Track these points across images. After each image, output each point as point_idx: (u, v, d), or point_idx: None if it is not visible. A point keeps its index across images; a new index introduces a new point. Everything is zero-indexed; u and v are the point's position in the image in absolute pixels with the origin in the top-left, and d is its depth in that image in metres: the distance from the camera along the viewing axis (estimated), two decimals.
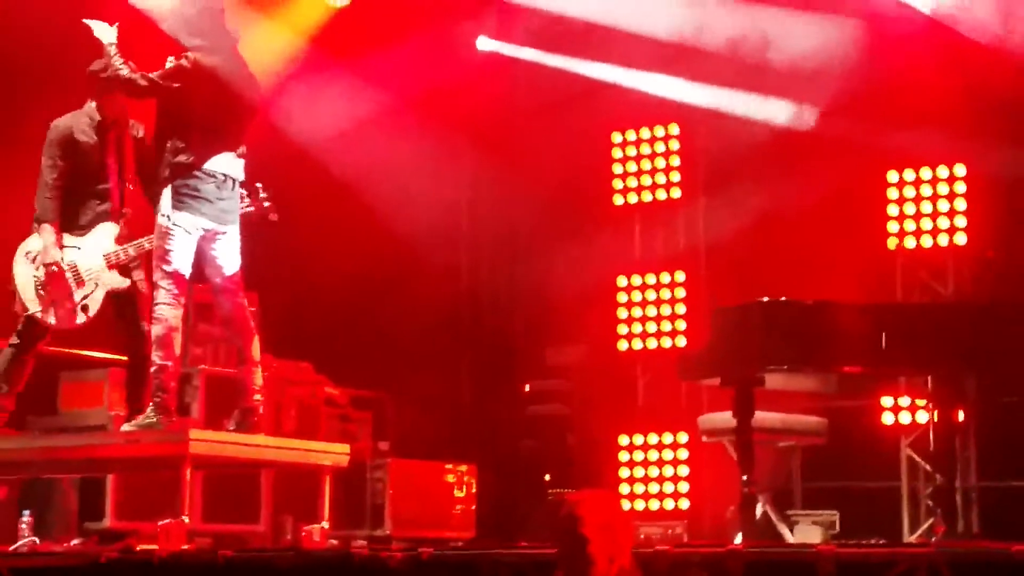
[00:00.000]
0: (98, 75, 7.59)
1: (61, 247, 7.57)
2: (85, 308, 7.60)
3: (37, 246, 7.59)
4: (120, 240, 7.65)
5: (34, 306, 7.57)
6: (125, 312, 7.68)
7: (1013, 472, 9.87)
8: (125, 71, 7.33)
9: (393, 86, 11.46)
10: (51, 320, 7.59)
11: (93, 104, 7.75)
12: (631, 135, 11.74)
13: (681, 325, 11.27)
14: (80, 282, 7.59)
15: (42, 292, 7.56)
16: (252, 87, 7.64)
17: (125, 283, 7.64)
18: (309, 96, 10.95)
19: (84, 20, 7.50)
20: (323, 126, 11.05)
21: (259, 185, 7.75)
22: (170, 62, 7.40)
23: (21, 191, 7.91)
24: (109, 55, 7.39)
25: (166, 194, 7.28)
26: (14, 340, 7.70)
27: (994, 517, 9.81)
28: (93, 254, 7.61)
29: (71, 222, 7.64)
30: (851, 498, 10.08)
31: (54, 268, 7.53)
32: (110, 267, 7.61)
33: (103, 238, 7.65)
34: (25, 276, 7.60)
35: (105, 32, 7.44)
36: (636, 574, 4.54)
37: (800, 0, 10.87)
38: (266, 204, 7.74)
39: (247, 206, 7.66)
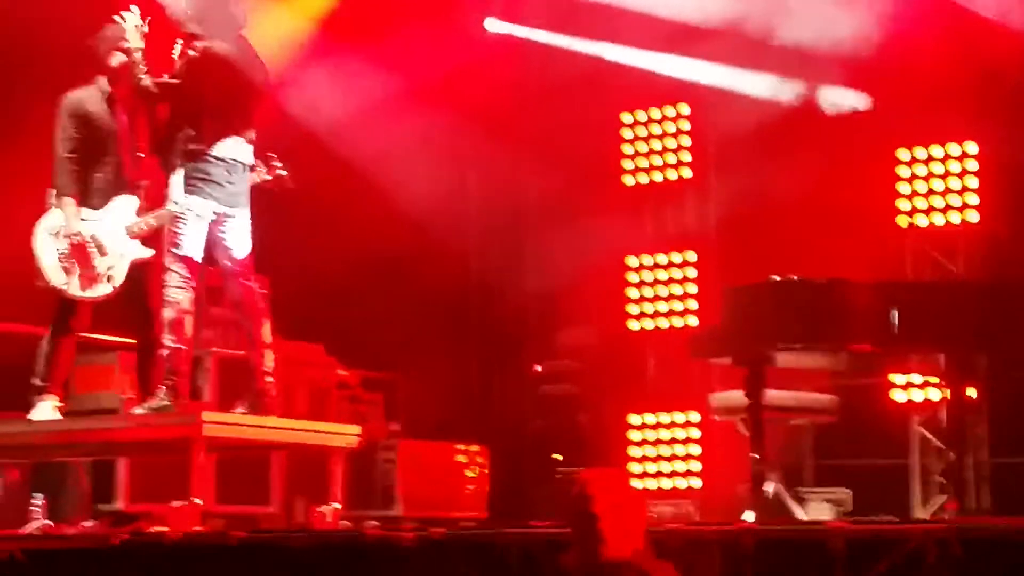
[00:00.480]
0: (99, 47, 7.63)
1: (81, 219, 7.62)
2: (111, 278, 7.62)
3: (56, 221, 7.61)
4: (140, 212, 7.68)
5: (59, 278, 7.59)
6: (141, 288, 7.68)
7: None
8: (146, 81, 7.38)
9: (401, 68, 11.44)
10: (78, 291, 7.60)
11: (103, 79, 7.77)
12: (641, 115, 11.72)
13: (692, 305, 11.27)
14: (103, 252, 7.61)
15: (66, 264, 7.59)
16: (260, 72, 7.65)
17: (149, 253, 7.66)
18: (318, 79, 10.94)
19: (117, 16, 7.54)
20: (332, 109, 11.04)
21: (272, 155, 7.76)
22: (178, 47, 7.41)
23: (25, 179, 7.95)
24: (134, 61, 7.43)
25: (177, 180, 7.31)
26: (52, 327, 7.71)
27: (1006, 493, 9.80)
28: (115, 226, 7.64)
29: (89, 195, 7.65)
30: (862, 475, 10.09)
31: (77, 239, 7.55)
32: (132, 238, 7.64)
33: (123, 210, 7.67)
34: (48, 250, 7.60)
35: (134, 35, 7.48)
36: (649, 552, 4.53)
37: None
38: (282, 172, 7.76)
39: (264, 172, 7.69)
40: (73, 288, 7.60)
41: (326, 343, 10.35)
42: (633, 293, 11.49)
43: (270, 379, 7.47)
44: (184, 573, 6.37)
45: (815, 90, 10.96)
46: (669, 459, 10.94)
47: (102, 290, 7.62)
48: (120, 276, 7.62)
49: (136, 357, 7.85)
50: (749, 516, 7.62)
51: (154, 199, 7.66)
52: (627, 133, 11.76)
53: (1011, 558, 4.77)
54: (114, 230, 7.63)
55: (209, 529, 7.26)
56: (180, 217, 7.31)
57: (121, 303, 7.75)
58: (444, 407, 11.62)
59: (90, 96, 7.74)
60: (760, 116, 10.95)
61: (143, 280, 7.68)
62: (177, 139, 7.34)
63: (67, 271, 7.58)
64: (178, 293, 7.29)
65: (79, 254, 7.56)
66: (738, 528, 5.30)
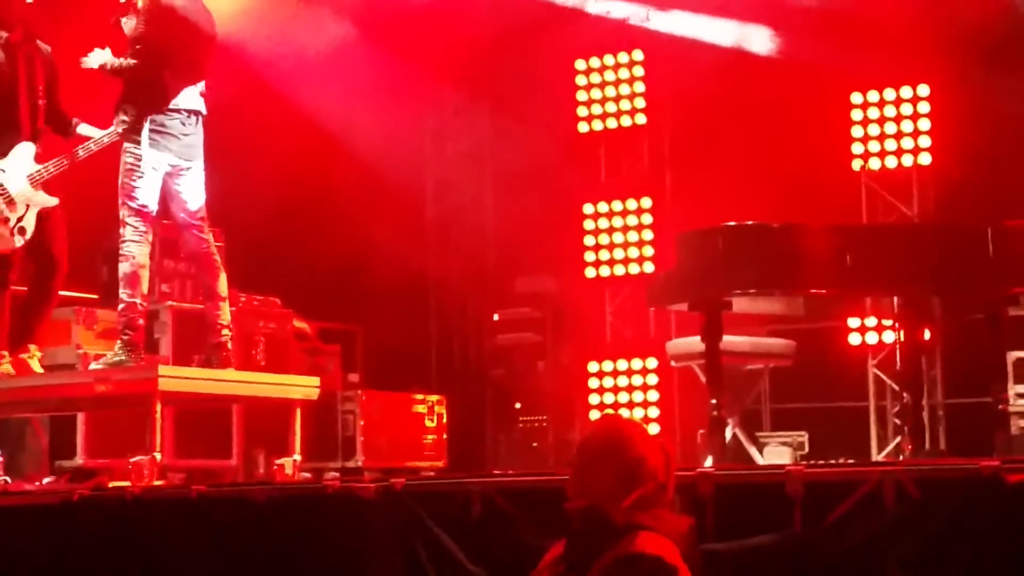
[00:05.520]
0: None
1: None
2: (22, 231, 7.49)
3: None
4: (39, 158, 7.56)
5: None
6: (46, 236, 7.56)
7: (978, 389, 9.94)
8: (126, 63, 7.26)
9: (356, 14, 11.37)
10: None
11: None
12: (595, 62, 11.70)
13: (648, 251, 11.30)
14: (12, 204, 7.48)
15: None
16: (207, 21, 7.56)
17: (54, 202, 7.56)
18: (272, 27, 10.85)
19: (81, 61, 7.39)
20: (286, 57, 10.96)
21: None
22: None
23: None
24: (111, 66, 7.28)
25: (144, 133, 7.22)
26: None
27: (960, 434, 9.92)
28: (18, 175, 7.49)
29: None
30: (819, 418, 10.18)
31: None
32: (35, 186, 7.52)
33: (24, 158, 7.52)
34: None
35: (103, 57, 7.35)
36: (664, 502, 4.10)
37: None
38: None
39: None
40: None
41: (283, 295, 10.31)
42: (589, 240, 11.50)
43: (227, 332, 7.44)
44: (144, 528, 6.36)
45: (770, 35, 10.97)
46: (628, 406, 10.99)
47: (15, 243, 7.50)
48: (31, 227, 7.49)
49: (24, 304, 7.68)
50: (708, 461, 7.67)
51: (51, 144, 7.52)
52: (581, 80, 11.74)
53: (965, 498, 4.82)
54: (18, 179, 7.48)
55: (169, 483, 7.25)
56: (135, 169, 7.24)
57: (23, 251, 7.59)
58: (403, 357, 11.62)
59: None
60: (713, 61, 10.95)
61: (45, 228, 7.57)
62: (136, 88, 7.26)
63: None
64: (133, 247, 7.24)
65: None
66: (697, 473, 5.32)
